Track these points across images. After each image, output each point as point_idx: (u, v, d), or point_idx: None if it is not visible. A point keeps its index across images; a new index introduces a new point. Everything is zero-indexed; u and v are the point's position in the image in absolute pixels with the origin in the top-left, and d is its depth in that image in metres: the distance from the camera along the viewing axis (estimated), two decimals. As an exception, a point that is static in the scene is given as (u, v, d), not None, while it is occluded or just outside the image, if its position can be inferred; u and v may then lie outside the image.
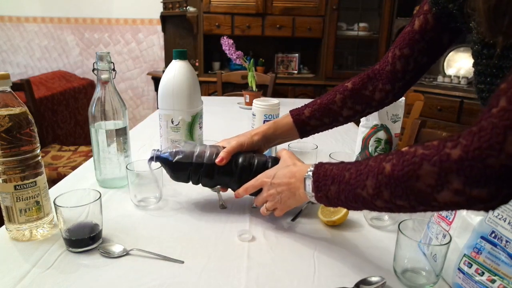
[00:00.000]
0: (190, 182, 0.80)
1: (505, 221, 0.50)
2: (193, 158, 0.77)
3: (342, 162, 0.60)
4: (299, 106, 0.86)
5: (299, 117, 0.84)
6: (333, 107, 0.82)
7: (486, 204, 0.42)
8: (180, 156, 0.77)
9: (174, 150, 0.78)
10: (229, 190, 0.83)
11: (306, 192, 0.64)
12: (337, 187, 0.57)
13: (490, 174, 0.40)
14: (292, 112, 0.85)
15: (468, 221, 0.55)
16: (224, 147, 0.79)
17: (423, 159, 0.45)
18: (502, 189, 0.40)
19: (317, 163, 0.64)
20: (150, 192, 0.84)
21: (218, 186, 0.83)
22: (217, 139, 1.03)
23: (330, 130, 0.86)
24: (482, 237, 0.53)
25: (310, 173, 0.63)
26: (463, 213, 0.56)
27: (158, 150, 0.80)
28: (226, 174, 0.78)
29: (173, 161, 0.77)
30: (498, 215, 0.51)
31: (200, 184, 0.81)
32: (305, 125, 0.84)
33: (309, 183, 0.63)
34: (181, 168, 0.78)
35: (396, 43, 0.76)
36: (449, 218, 0.59)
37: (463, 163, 0.41)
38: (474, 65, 0.59)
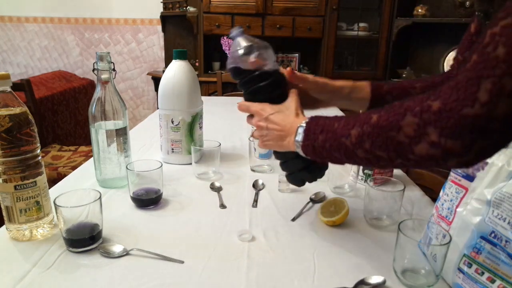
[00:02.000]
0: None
1: (504, 220, 0.50)
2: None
3: (337, 116, 0.61)
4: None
5: (378, 89, 0.80)
6: (412, 92, 0.79)
7: (460, 157, 0.43)
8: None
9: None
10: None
11: (295, 141, 0.63)
12: (325, 135, 0.58)
13: (465, 124, 0.41)
14: (371, 82, 0.82)
15: (468, 221, 0.55)
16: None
17: (406, 110, 0.47)
18: (475, 140, 0.42)
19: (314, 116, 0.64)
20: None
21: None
22: (217, 139, 1.04)
23: None
24: (482, 237, 0.53)
25: (304, 124, 0.63)
26: (463, 213, 0.56)
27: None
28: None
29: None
30: (498, 215, 0.51)
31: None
32: (380, 97, 0.80)
33: (300, 131, 0.63)
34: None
35: (458, 49, 0.77)
36: (448, 218, 0.59)
37: (441, 114, 0.43)
38: None
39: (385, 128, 0.49)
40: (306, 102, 0.75)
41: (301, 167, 0.70)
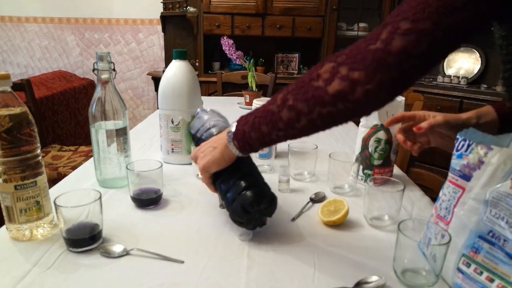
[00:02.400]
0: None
1: (502, 220, 0.50)
2: None
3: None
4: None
5: (502, 108, 0.80)
6: None
7: (364, 86, 0.49)
8: None
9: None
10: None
11: (227, 136, 0.67)
12: (254, 113, 0.63)
13: (367, 56, 0.49)
14: (491, 105, 0.82)
15: (465, 221, 0.55)
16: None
17: (325, 61, 0.54)
18: (376, 71, 0.48)
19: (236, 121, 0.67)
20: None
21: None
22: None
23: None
24: (480, 237, 0.53)
25: (235, 122, 0.67)
26: (461, 213, 0.56)
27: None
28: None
29: None
30: (496, 214, 0.51)
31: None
32: (507, 115, 0.80)
33: (233, 126, 0.67)
34: None
35: None
36: (446, 218, 0.59)
37: (351, 53, 0.51)
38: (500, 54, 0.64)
39: (306, 79, 0.56)
40: (444, 143, 0.81)
41: (241, 188, 0.69)
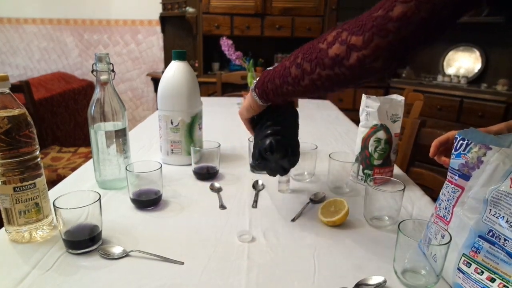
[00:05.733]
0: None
1: (502, 219, 0.50)
2: None
3: None
4: None
5: None
6: None
7: (359, 51, 0.52)
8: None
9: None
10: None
11: (251, 90, 0.75)
12: (273, 69, 0.69)
13: (368, 23, 0.51)
14: None
15: (465, 221, 0.55)
16: None
17: (335, 28, 0.57)
18: (373, 36, 0.51)
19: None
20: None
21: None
22: (217, 140, 1.04)
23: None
24: (480, 236, 0.53)
25: (254, 83, 0.74)
26: (460, 212, 0.56)
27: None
28: None
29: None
30: (495, 213, 0.51)
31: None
32: None
33: (254, 94, 0.74)
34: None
35: None
36: (446, 218, 0.58)
37: (356, 21, 0.54)
38: None
39: (316, 41, 0.60)
40: None
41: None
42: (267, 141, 0.71)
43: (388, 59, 0.52)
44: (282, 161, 0.73)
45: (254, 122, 0.81)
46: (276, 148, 0.71)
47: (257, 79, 0.73)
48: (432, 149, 0.76)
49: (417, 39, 0.51)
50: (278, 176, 0.93)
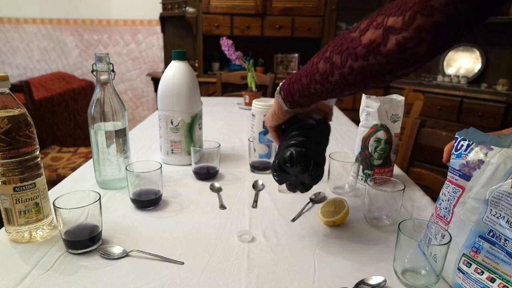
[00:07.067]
0: None
1: (503, 219, 0.50)
2: None
3: None
4: None
5: None
6: None
7: (398, 33, 0.45)
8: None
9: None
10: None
11: (276, 95, 0.69)
12: (300, 70, 0.62)
13: (408, 3, 0.44)
14: None
15: (466, 221, 0.55)
16: None
17: (368, 17, 0.51)
18: (415, 16, 0.43)
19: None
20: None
21: None
22: (217, 140, 1.04)
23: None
24: (480, 236, 0.53)
25: (280, 85, 0.68)
26: (460, 212, 0.56)
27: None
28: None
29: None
30: (496, 213, 0.51)
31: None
32: None
33: (279, 97, 0.68)
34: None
35: None
36: (446, 218, 0.58)
37: (393, 4, 0.47)
38: None
39: (346, 33, 0.53)
40: None
41: (298, 170, 0.66)
42: (288, 152, 0.65)
43: (434, 42, 0.44)
44: (302, 175, 0.66)
45: (282, 132, 0.75)
46: (296, 160, 0.64)
47: (283, 81, 0.67)
48: (445, 155, 0.74)
49: (466, 20, 0.43)
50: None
